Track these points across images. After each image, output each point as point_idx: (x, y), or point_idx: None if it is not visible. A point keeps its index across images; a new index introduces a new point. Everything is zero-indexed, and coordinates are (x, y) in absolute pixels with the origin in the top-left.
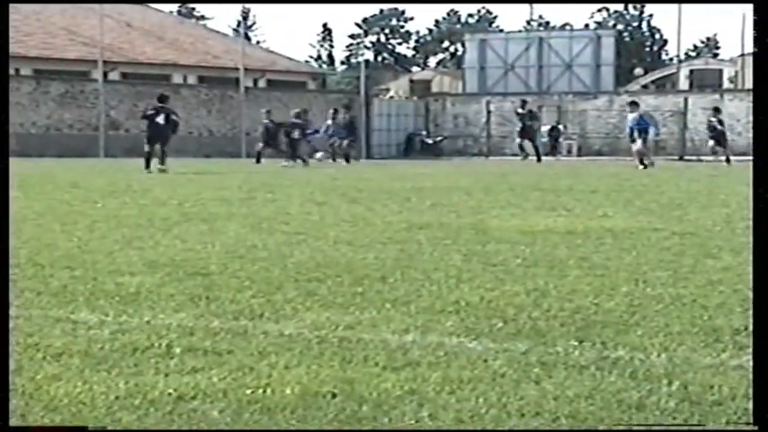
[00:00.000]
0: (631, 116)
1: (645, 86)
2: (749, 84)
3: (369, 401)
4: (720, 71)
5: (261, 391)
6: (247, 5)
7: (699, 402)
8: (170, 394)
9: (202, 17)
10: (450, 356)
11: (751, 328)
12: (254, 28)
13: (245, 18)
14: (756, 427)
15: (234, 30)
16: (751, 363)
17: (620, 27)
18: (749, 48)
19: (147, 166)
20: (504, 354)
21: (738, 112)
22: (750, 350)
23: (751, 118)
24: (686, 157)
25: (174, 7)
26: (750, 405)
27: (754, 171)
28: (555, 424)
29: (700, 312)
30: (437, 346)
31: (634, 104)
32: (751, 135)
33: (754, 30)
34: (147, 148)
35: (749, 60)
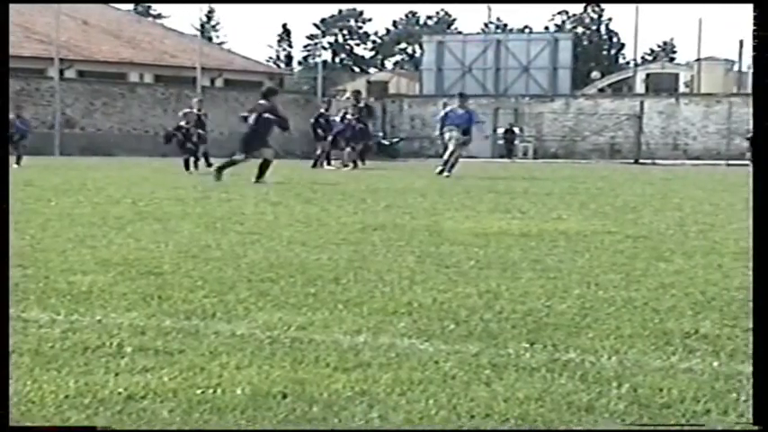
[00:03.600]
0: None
1: (602, 90)
2: (705, 88)
3: (319, 402)
4: (677, 75)
5: (211, 391)
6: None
7: (648, 405)
8: (120, 393)
9: (159, 15)
10: (401, 358)
11: (751, 326)
12: (217, 27)
13: (210, 18)
14: (757, 428)
15: (196, 29)
16: (700, 366)
17: (578, 31)
18: (705, 52)
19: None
20: (455, 355)
21: (694, 117)
22: (699, 353)
23: (706, 123)
24: (641, 161)
25: (131, 6)
26: (698, 407)
27: (755, 172)
28: (505, 426)
29: (651, 315)
30: (389, 347)
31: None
32: (706, 140)
33: (754, 30)
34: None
35: (705, 65)
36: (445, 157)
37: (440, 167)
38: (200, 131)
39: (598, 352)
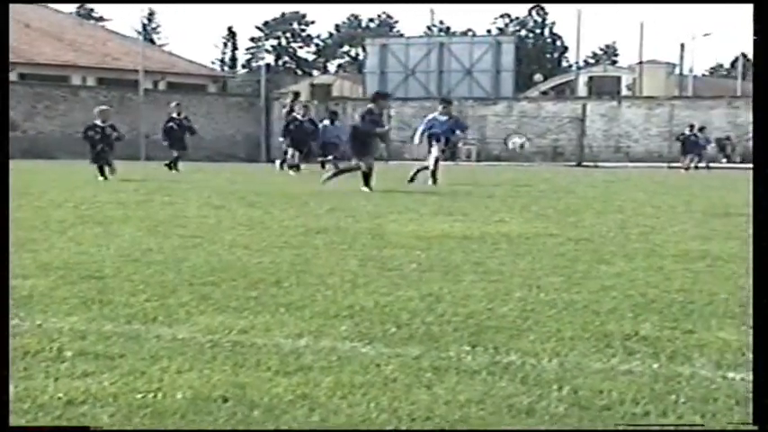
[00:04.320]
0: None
1: (544, 93)
2: (647, 91)
3: (260, 406)
4: (619, 78)
5: (152, 395)
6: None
7: (588, 407)
8: (60, 398)
9: (101, 18)
10: (342, 361)
11: (751, 325)
12: (157, 30)
13: (150, 20)
14: (756, 427)
15: (138, 32)
16: (640, 368)
17: (521, 34)
18: (647, 55)
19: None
20: (396, 358)
21: (636, 120)
22: (639, 355)
23: (648, 125)
24: (584, 163)
25: (73, 8)
26: (638, 409)
27: (755, 173)
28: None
29: (591, 318)
30: (330, 350)
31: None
32: (648, 142)
33: (755, 29)
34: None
35: (647, 67)
36: (427, 164)
37: (413, 173)
38: (116, 133)
39: (539, 354)
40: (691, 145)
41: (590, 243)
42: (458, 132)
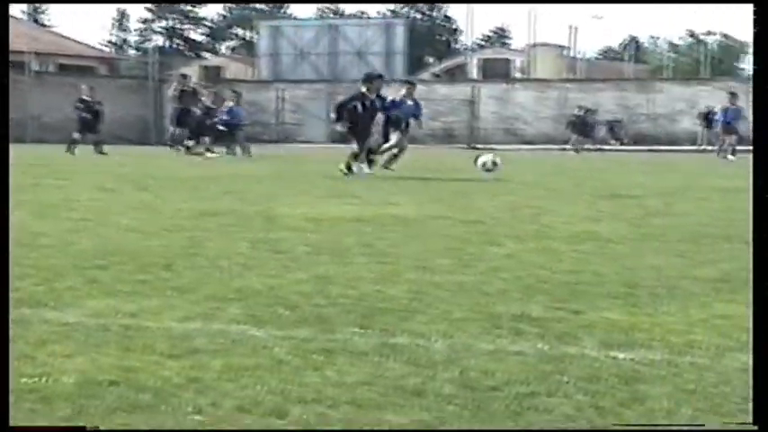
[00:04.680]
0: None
1: (437, 75)
2: (539, 73)
3: (149, 390)
4: (510, 61)
5: (39, 379)
6: None
7: (476, 388)
8: None
9: None
10: (232, 344)
11: (751, 326)
12: (46, 11)
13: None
14: (756, 427)
15: (24, 12)
16: (527, 348)
17: (413, 16)
18: (539, 38)
19: None
20: (286, 341)
21: (527, 102)
22: (527, 336)
23: (539, 108)
24: (476, 146)
25: None
26: (525, 389)
27: (755, 169)
28: (335, 411)
29: (481, 299)
30: (220, 333)
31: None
32: (540, 125)
33: (755, 29)
34: None
35: (539, 50)
36: (387, 147)
37: (386, 160)
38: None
39: (429, 336)
40: (581, 127)
41: (481, 225)
42: (420, 118)
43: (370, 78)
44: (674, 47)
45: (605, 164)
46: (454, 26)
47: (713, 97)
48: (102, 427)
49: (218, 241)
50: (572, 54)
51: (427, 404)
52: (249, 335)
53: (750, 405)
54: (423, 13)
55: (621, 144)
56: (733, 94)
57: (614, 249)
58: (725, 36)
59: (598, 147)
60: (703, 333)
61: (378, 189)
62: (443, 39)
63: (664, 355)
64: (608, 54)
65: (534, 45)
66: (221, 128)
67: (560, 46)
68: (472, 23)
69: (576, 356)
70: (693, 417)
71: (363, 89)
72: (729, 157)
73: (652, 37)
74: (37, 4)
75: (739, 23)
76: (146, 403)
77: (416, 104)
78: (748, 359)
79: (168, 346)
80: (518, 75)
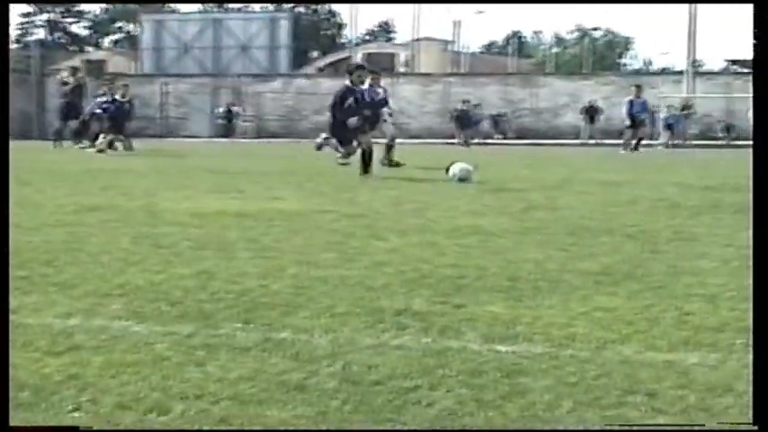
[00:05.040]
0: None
1: (321, 69)
2: (423, 68)
3: (29, 387)
4: (395, 55)
5: None
6: None
7: (359, 382)
8: None
9: None
10: (114, 340)
11: (751, 326)
12: None
13: None
14: (756, 427)
15: None
16: (411, 342)
17: (298, 10)
18: (423, 32)
19: None
20: (168, 337)
21: (412, 96)
22: (410, 330)
23: (424, 102)
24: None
25: None
26: (408, 383)
27: (755, 169)
28: (216, 407)
29: (364, 294)
30: (101, 329)
31: None
32: (424, 119)
33: (755, 29)
34: None
35: (423, 44)
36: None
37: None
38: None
39: (312, 331)
40: (466, 121)
41: (364, 219)
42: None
43: (350, 69)
44: (559, 41)
45: (489, 158)
46: (339, 20)
47: (596, 92)
48: (95, 428)
49: (100, 237)
50: (456, 48)
51: (309, 399)
52: (131, 331)
53: (638, 398)
54: (307, 8)
55: (505, 138)
56: (638, 87)
57: (497, 243)
58: (609, 32)
59: (482, 140)
60: (584, 326)
61: (262, 183)
62: (328, 33)
63: (545, 348)
64: (492, 48)
65: (418, 39)
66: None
67: (444, 40)
68: (357, 18)
69: (459, 350)
70: (573, 409)
71: (347, 82)
72: (621, 151)
73: (535, 32)
74: None
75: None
76: (26, 401)
77: (384, 92)
78: (625, 350)
79: (48, 342)
80: (402, 69)
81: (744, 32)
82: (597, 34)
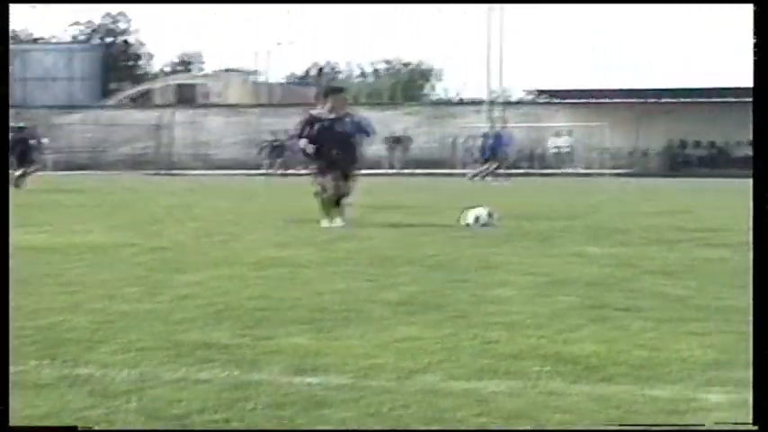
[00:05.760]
0: None
1: (132, 99)
2: (229, 99)
3: None
4: (200, 86)
5: None
6: None
7: (162, 417)
8: None
9: None
10: None
11: (751, 326)
12: None
13: None
14: (756, 427)
15: None
16: (215, 376)
17: (104, 41)
18: (229, 64)
19: None
20: None
21: (218, 127)
22: (217, 364)
23: (229, 133)
24: (169, 171)
25: None
26: (215, 416)
27: (755, 169)
28: None
29: (168, 327)
30: None
31: None
32: (230, 150)
33: (755, 29)
34: None
35: (229, 76)
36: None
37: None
38: None
39: (114, 365)
40: (278, 151)
41: (169, 252)
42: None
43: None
44: (367, 72)
45: (298, 188)
46: (144, 51)
47: (401, 121)
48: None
49: None
50: (262, 79)
51: None
52: None
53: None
54: (113, 38)
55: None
56: (494, 121)
57: (303, 274)
58: (418, 63)
59: (293, 171)
60: (388, 356)
61: (68, 216)
62: (133, 64)
63: (349, 379)
64: (299, 79)
65: (225, 71)
66: None
67: (250, 72)
68: (163, 49)
69: (264, 382)
70: None
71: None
72: (471, 178)
73: (339, 63)
74: None
75: (435, 50)
76: None
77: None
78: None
79: None
80: (208, 100)
81: (549, 62)
82: (406, 65)
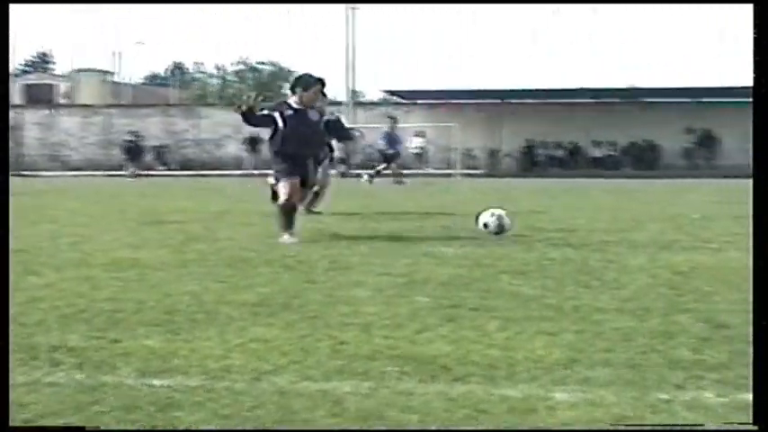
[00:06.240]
0: None
1: None
2: (84, 99)
3: None
4: (54, 86)
5: None
6: None
7: (11, 421)
8: None
9: None
10: None
11: (751, 326)
12: None
13: None
14: (756, 427)
15: None
16: (65, 379)
17: None
18: (83, 63)
19: None
20: None
21: (72, 128)
22: (65, 366)
23: (85, 134)
24: (21, 173)
25: None
26: (69, 419)
27: (755, 169)
28: None
29: (19, 331)
30: None
31: None
32: (86, 151)
33: (755, 29)
34: None
35: (83, 75)
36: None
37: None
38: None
39: None
40: (136, 152)
41: (22, 254)
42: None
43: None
44: (222, 73)
45: (151, 189)
46: None
47: None
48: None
49: None
50: (117, 79)
51: None
52: None
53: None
54: None
55: (169, 169)
56: (393, 119)
57: (155, 276)
58: (274, 64)
59: (146, 172)
60: (240, 357)
61: None
62: None
63: (201, 380)
64: (154, 80)
65: (78, 71)
66: None
67: (105, 71)
68: (15, 48)
69: (114, 385)
70: None
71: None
72: (370, 178)
73: (196, 63)
74: None
75: (291, 52)
76: None
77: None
78: (282, 380)
79: None
80: (62, 100)
81: (400, 66)
82: (261, 66)
